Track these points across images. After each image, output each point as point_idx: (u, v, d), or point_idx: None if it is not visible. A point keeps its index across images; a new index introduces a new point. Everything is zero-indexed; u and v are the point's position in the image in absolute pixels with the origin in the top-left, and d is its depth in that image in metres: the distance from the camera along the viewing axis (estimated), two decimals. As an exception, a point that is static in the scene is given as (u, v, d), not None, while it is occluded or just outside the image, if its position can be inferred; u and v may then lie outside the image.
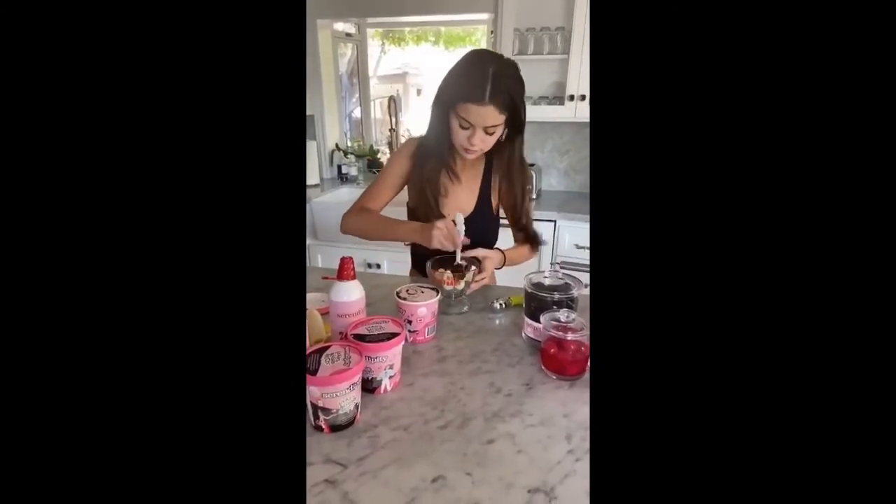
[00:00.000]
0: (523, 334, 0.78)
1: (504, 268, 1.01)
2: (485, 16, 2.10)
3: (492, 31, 2.08)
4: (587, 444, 0.54)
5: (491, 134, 0.85)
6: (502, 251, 0.98)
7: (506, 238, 1.07)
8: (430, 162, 0.96)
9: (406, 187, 1.03)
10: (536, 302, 0.74)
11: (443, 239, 0.84)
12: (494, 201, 1.03)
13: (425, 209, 0.98)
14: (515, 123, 0.89)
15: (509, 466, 0.51)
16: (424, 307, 0.75)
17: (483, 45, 2.31)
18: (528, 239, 1.04)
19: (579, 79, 1.82)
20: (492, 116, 0.82)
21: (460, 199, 1.01)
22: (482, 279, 0.90)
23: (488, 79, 0.79)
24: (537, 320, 0.72)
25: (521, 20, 1.89)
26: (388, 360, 0.61)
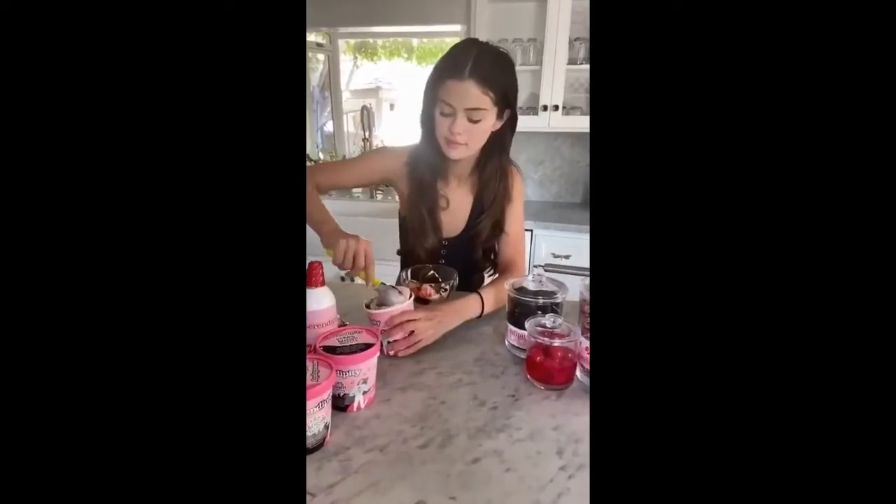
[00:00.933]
0: (506, 342, 0.74)
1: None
2: (457, 27, 2.11)
3: (465, 43, 2.08)
4: (579, 459, 0.50)
5: (476, 122, 0.75)
6: (480, 295, 0.80)
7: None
8: (423, 171, 0.88)
9: (385, 197, 0.98)
10: (520, 307, 0.70)
11: (341, 257, 0.71)
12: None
13: (419, 223, 0.89)
14: (504, 115, 0.79)
15: (497, 487, 0.46)
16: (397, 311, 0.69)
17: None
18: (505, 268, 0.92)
19: (552, 89, 1.83)
20: (474, 95, 0.73)
21: (451, 217, 0.93)
22: (414, 341, 0.69)
23: (471, 56, 0.73)
24: (521, 327, 0.68)
25: (494, 32, 1.90)
26: (362, 374, 0.56)
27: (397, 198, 0.97)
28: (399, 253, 1.01)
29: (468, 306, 0.78)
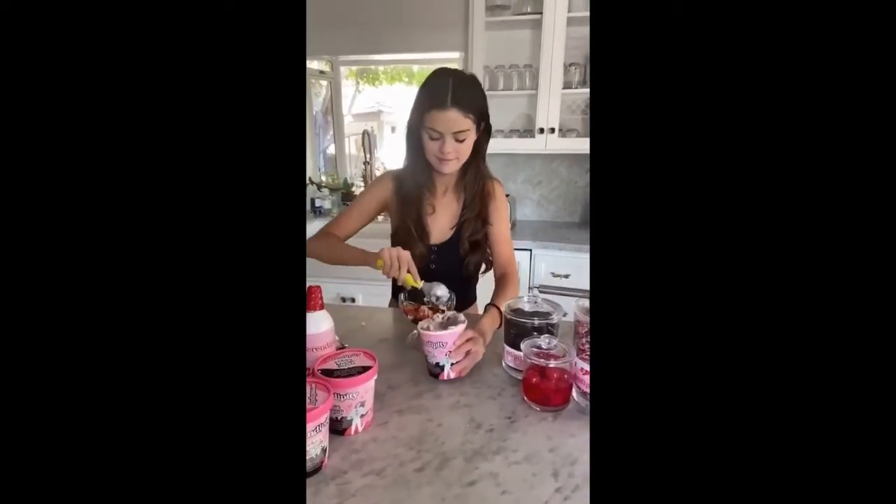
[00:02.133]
0: (503, 364, 0.75)
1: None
2: (456, 54, 2.17)
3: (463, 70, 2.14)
4: (575, 481, 0.50)
5: (461, 141, 0.87)
6: (498, 308, 0.84)
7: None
8: (409, 186, 0.97)
9: (385, 216, 1.03)
10: (516, 329, 0.71)
11: (389, 262, 0.80)
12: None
13: (406, 233, 0.97)
14: (482, 127, 0.91)
15: (493, 510, 0.46)
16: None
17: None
18: (507, 277, 0.97)
19: (548, 113, 1.87)
20: (458, 121, 0.85)
21: (439, 224, 1.00)
22: (472, 355, 0.72)
23: (448, 87, 0.84)
24: (517, 348, 0.68)
25: (491, 58, 1.96)
26: (360, 397, 0.57)
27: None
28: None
29: (495, 319, 0.84)
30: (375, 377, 0.59)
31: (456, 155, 0.89)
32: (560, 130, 1.90)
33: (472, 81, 0.89)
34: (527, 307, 0.74)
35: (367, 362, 0.60)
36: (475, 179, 0.99)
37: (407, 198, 0.98)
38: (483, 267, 1.04)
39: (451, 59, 2.22)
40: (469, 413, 0.63)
